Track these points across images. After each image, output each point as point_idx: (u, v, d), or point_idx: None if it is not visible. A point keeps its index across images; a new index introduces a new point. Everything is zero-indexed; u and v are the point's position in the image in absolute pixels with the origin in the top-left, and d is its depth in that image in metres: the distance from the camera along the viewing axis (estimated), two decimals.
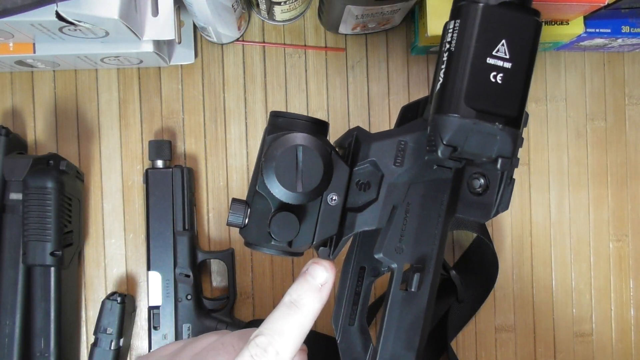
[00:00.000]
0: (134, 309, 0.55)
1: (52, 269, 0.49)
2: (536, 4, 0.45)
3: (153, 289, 0.52)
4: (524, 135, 0.58)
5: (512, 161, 0.29)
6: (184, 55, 0.55)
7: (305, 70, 0.56)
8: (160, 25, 0.48)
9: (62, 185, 0.49)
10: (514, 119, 0.29)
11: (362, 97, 0.57)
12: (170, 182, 0.52)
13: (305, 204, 0.31)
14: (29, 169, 0.48)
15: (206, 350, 0.32)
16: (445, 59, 0.30)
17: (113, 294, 0.51)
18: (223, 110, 0.56)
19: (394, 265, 0.31)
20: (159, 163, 0.53)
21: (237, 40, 0.56)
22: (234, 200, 0.31)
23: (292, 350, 0.30)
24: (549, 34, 0.51)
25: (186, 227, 0.52)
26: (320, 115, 0.56)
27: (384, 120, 0.57)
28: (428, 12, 0.49)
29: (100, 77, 0.56)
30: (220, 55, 0.56)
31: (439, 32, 0.50)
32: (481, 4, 0.28)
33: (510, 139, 0.29)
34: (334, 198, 0.32)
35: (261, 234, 0.31)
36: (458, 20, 0.29)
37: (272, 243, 0.31)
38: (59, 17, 0.40)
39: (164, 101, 0.56)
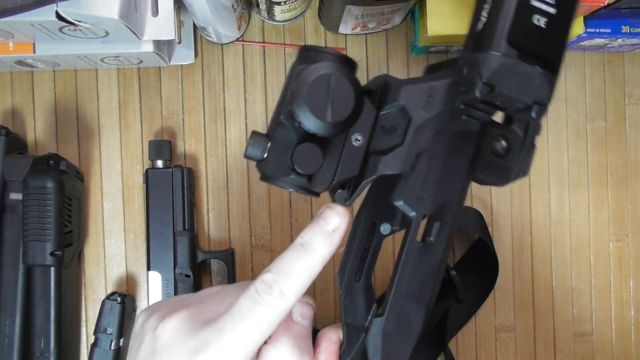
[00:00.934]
0: (134, 309, 0.55)
1: (52, 269, 0.49)
2: None
3: (153, 289, 0.52)
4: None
5: (546, 108, 0.29)
6: (184, 55, 0.55)
7: None
8: (160, 25, 0.48)
9: (62, 185, 0.49)
10: (554, 64, 0.29)
11: None
12: (170, 182, 0.52)
13: (331, 136, 0.30)
14: (29, 169, 0.48)
15: (215, 293, 0.33)
16: None
17: (113, 294, 0.51)
18: (223, 110, 0.56)
19: (413, 214, 0.30)
20: (159, 163, 0.53)
21: (237, 40, 0.56)
22: (254, 132, 0.30)
23: (297, 292, 0.29)
24: None
25: (186, 227, 0.52)
26: None
27: None
28: (428, 12, 0.49)
29: (100, 77, 0.56)
30: (220, 55, 0.56)
31: (439, 32, 0.50)
32: None
33: (548, 84, 0.29)
34: (358, 138, 0.31)
35: (281, 166, 0.30)
36: None
37: (292, 177, 0.30)
38: (59, 17, 0.40)
39: (164, 101, 0.56)
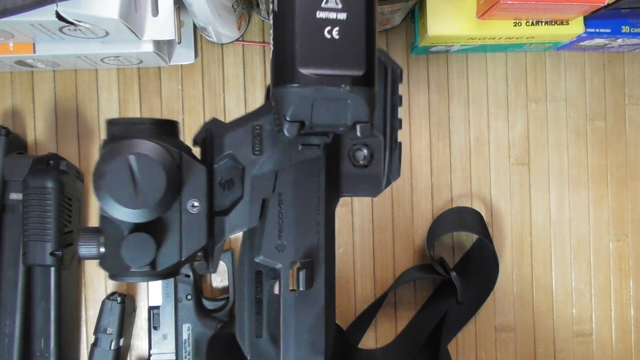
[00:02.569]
0: (134, 309, 0.55)
1: (52, 269, 0.49)
2: (537, 4, 0.45)
3: (153, 289, 0.52)
4: (524, 135, 0.58)
5: (371, 124, 0.25)
6: (184, 55, 0.55)
7: None
8: (160, 25, 0.48)
9: (62, 185, 0.49)
10: (364, 77, 0.24)
11: None
12: None
13: (155, 218, 0.27)
14: (29, 169, 0.48)
15: None
16: (271, 22, 0.25)
17: (113, 294, 0.51)
18: (223, 110, 0.56)
19: (279, 266, 0.28)
20: None
21: (237, 40, 0.56)
22: (84, 229, 0.27)
23: None
24: (549, 34, 0.51)
25: None
26: None
27: None
28: (428, 12, 0.49)
29: (100, 77, 0.56)
30: (220, 55, 0.56)
31: (439, 32, 0.50)
32: None
33: (363, 100, 0.24)
34: (194, 204, 0.28)
35: (120, 263, 0.27)
36: None
37: (133, 270, 0.27)
38: (59, 17, 0.40)
39: (164, 101, 0.56)
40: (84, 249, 0.27)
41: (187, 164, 0.27)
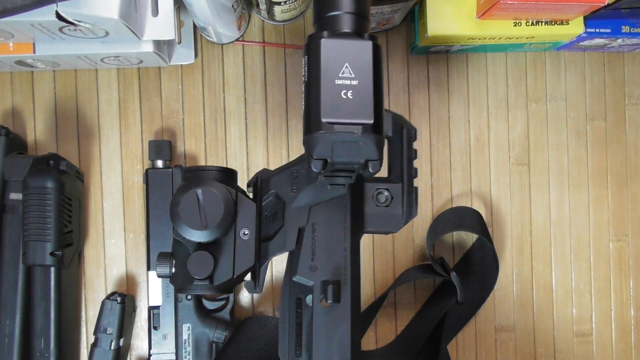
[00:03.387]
0: (134, 309, 0.55)
1: (52, 269, 0.49)
2: (537, 4, 0.45)
3: (153, 289, 0.52)
4: (524, 135, 0.58)
5: (380, 162, 0.32)
6: (184, 55, 0.55)
7: None
8: (160, 25, 0.48)
9: (62, 185, 0.49)
10: (373, 126, 0.31)
11: None
12: (170, 182, 0.52)
13: (216, 239, 0.35)
14: (29, 169, 0.48)
15: None
16: (303, 89, 0.33)
17: (113, 294, 0.51)
18: (223, 110, 0.56)
19: (311, 283, 0.34)
20: (159, 163, 0.53)
21: (237, 40, 0.56)
22: (160, 254, 0.36)
23: None
24: (549, 34, 0.51)
25: None
26: None
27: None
28: (428, 12, 0.49)
29: (100, 77, 0.56)
30: (220, 55, 0.56)
31: (439, 32, 0.50)
32: (322, 39, 0.32)
33: (372, 142, 0.31)
34: (245, 232, 0.36)
35: (186, 277, 0.35)
36: (307, 56, 0.33)
37: (195, 283, 0.35)
38: (59, 17, 0.40)
39: (164, 101, 0.56)
40: (161, 269, 0.36)
41: (241, 200, 0.36)
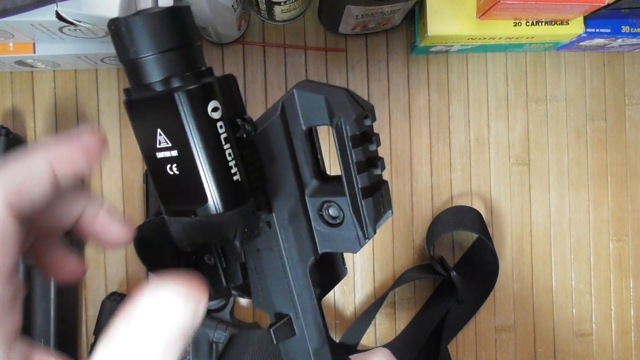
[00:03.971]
0: None
1: None
2: (537, 4, 0.45)
3: None
4: (524, 135, 0.58)
5: (245, 238, 0.26)
6: None
7: (306, 71, 0.56)
8: None
9: None
10: (214, 205, 0.24)
11: (362, 97, 0.57)
12: None
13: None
14: None
15: None
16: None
17: (113, 294, 0.51)
18: None
19: (270, 314, 0.31)
20: None
21: (237, 40, 0.56)
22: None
23: None
24: (549, 34, 0.51)
25: None
26: None
27: (384, 120, 0.57)
28: (428, 12, 0.49)
29: (100, 77, 0.56)
30: (220, 55, 0.56)
31: (439, 32, 0.50)
32: (125, 100, 0.25)
33: (219, 223, 0.25)
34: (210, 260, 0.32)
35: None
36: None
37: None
38: (59, 17, 0.40)
39: None
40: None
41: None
